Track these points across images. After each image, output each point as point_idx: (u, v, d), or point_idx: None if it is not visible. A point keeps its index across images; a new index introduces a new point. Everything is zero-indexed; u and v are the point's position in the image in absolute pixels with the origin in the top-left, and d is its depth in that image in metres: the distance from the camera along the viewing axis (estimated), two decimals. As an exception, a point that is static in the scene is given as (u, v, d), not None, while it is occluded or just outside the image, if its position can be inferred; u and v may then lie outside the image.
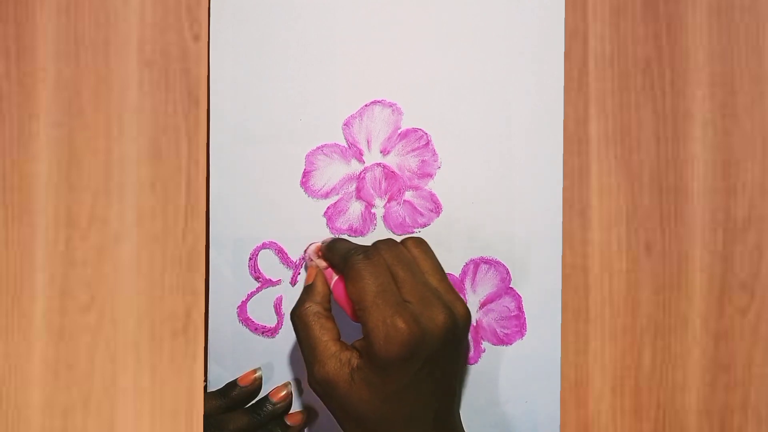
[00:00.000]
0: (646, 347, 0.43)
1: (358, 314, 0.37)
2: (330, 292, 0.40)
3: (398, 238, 0.43)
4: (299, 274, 0.43)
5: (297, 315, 0.39)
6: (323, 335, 0.38)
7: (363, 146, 0.43)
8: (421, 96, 0.43)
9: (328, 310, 0.39)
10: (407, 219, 0.43)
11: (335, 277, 0.40)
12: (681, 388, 0.43)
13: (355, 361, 0.36)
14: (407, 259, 0.39)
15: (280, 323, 0.43)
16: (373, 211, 0.43)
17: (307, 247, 0.43)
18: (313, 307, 0.39)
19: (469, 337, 0.44)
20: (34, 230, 0.41)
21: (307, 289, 0.40)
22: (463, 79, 0.43)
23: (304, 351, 0.38)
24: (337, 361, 0.37)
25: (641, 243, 0.43)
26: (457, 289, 0.44)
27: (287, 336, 0.43)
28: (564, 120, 0.44)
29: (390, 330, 0.35)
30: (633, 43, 0.43)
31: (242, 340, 0.43)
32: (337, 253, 0.40)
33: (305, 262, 0.43)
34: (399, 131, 0.43)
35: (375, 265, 0.37)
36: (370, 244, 0.44)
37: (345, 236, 0.43)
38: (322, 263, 0.41)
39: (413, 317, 0.36)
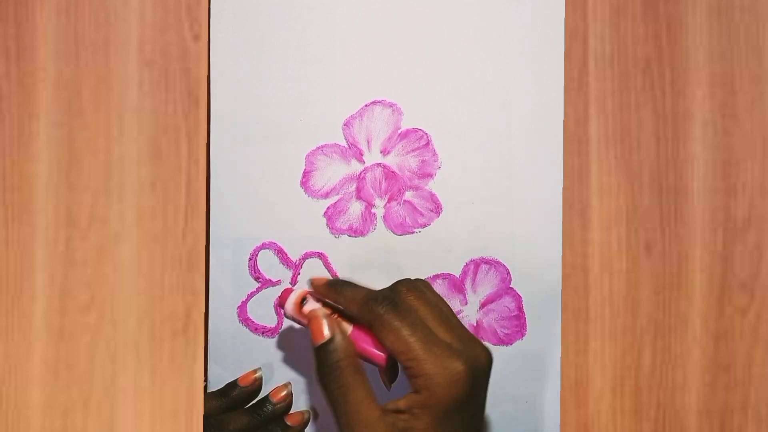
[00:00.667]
0: (646, 347, 0.43)
1: (406, 367, 0.35)
2: (353, 344, 0.37)
3: (398, 239, 0.43)
4: (299, 274, 0.43)
5: (334, 379, 0.35)
6: (367, 396, 0.35)
7: (363, 146, 0.43)
8: (421, 96, 0.43)
9: (361, 364, 0.36)
10: (407, 219, 0.43)
11: (350, 328, 0.38)
12: (681, 388, 0.43)
13: (401, 424, 0.35)
14: (431, 300, 0.37)
15: (280, 323, 0.43)
16: (373, 211, 0.43)
17: (285, 296, 0.40)
18: (348, 366, 0.35)
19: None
20: (34, 230, 0.41)
21: (328, 347, 0.36)
22: (463, 79, 0.44)
23: (344, 415, 0.35)
24: (385, 425, 0.34)
25: (641, 243, 0.43)
26: (458, 290, 0.44)
27: (287, 336, 0.43)
28: (564, 120, 0.44)
29: (451, 374, 0.34)
30: (633, 43, 0.43)
31: (242, 340, 0.43)
32: (349, 299, 0.38)
33: (293, 312, 0.40)
34: (399, 131, 0.43)
35: (407, 313, 0.36)
36: (366, 241, 0.44)
37: (346, 236, 0.43)
38: (326, 310, 0.39)
39: (465, 356, 0.35)
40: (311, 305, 0.39)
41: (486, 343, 0.44)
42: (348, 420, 0.35)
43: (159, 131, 0.42)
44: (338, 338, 0.36)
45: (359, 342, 0.37)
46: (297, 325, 0.43)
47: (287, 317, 0.40)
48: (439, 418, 0.34)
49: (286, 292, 0.40)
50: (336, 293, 0.39)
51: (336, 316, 0.39)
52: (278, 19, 0.43)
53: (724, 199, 0.44)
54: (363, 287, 0.39)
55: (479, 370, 0.35)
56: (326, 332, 0.36)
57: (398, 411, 0.35)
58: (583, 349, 0.43)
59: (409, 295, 0.37)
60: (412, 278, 0.39)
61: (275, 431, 0.41)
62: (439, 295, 0.39)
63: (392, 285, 0.38)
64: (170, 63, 0.42)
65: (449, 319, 0.37)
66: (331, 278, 0.40)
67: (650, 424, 0.43)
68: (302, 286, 0.43)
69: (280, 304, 0.40)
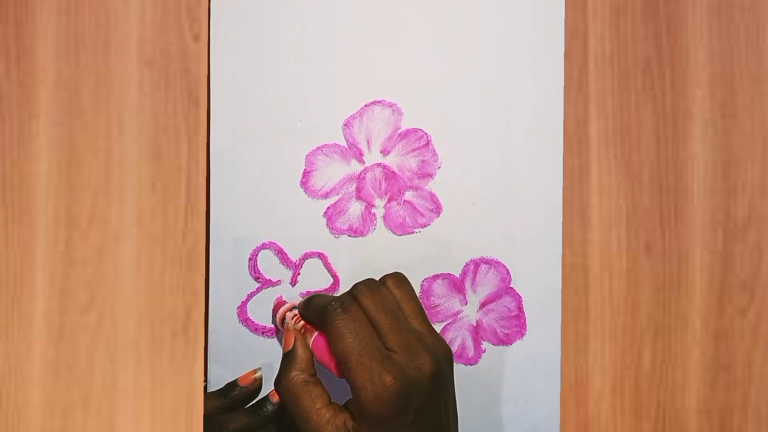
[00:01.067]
0: (646, 347, 0.43)
1: (344, 373, 0.37)
2: (311, 354, 0.39)
3: (398, 239, 0.43)
4: (299, 274, 0.43)
5: (284, 387, 0.38)
6: (315, 403, 0.37)
7: (363, 146, 0.43)
8: (421, 96, 0.43)
9: (314, 374, 0.39)
10: (407, 219, 0.43)
11: (314, 335, 0.39)
12: (681, 388, 0.43)
13: (350, 423, 0.36)
14: (389, 304, 0.38)
15: (280, 323, 0.43)
16: (373, 211, 0.43)
17: (276, 307, 0.43)
18: (299, 376, 0.38)
19: (472, 340, 0.44)
20: (34, 230, 0.41)
21: (288, 357, 0.39)
22: (463, 79, 0.43)
23: (298, 421, 0.37)
24: (333, 427, 0.36)
25: (641, 243, 0.43)
26: (458, 290, 0.44)
27: (287, 336, 0.43)
28: (564, 120, 0.44)
29: (378, 388, 0.35)
30: (633, 43, 0.43)
31: (242, 340, 0.43)
32: (313, 310, 0.39)
33: (278, 324, 0.42)
34: (399, 131, 0.43)
35: (353, 319, 0.37)
36: (366, 241, 0.44)
37: (346, 236, 0.43)
38: (298, 324, 0.40)
39: (400, 370, 0.36)
40: (289, 318, 0.41)
41: (486, 344, 0.44)
42: (300, 425, 0.37)
43: (159, 131, 0.42)
44: (298, 350, 0.39)
45: (318, 350, 0.39)
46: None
47: (278, 326, 0.43)
48: (373, 426, 0.36)
49: (278, 304, 0.43)
50: (306, 309, 0.40)
51: (305, 329, 0.40)
52: (278, 19, 0.43)
53: (724, 199, 0.44)
54: (326, 296, 0.40)
55: (417, 382, 0.36)
56: (291, 343, 0.39)
57: (349, 410, 0.37)
58: (583, 349, 0.43)
59: (365, 298, 0.38)
60: (392, 272, 0.40)
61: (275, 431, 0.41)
62: (405, 292, 0.40)
63: (353, 286, 0.39)
64: (170, 63, 0.42)
65: (403, 323, 0.38)
66: (308, 296, 0.41)
67: (650, 424, 0.43)
68: (302, 287, 0.43)
69: (273, 312, 0.43)
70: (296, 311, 0.41)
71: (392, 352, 0.37)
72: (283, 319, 0.41)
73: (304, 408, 0.37)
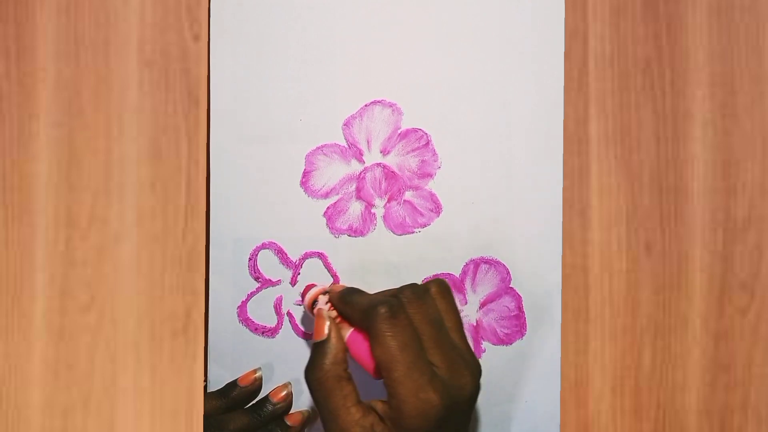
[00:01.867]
0: (646, 347, 0.43)
1: (386, 380, 0.35)
2: (346, 348, 0.38)
3: (398, 239, 0.43)
4: (299, 274, 0.43)
5: (317, 379, 0.36)
6: (346, 401, 0.36)
7: (363, 146, 0.43)
8: (421, 96, 0.43)
9: (347, 370, 0.37)
10: (407, 219, 0.43)
11: (349, 330, 0.38)
12: (681, 388, 0.43)
13: (378, 427, 0.35)
14: (434, 314, 0.37)
15: (280, 323, 0.43)
16: (373, 211, 0.43)
17: (306, 291, 0.42)
18: (332, 370, 0.36)
19: (471, 339, 0.44)
20: (34, 230, 0.41)
21: (323, 348, 0.37)
22: (463, 79, 0.44)
23: (324, 415, 0.36)
24: (361, 428, 0.35)
25: (641, 243, 0.43)
26: (458, 289, 0.44)
27: (287, 336, 0.43)
28: (564, 120, 0.44)
29: (423, 404, 0.34)
30: (633, 43, 0.43)
31: (242, 340, 0.43)
32: (355, 307, 0.38)
33: (306, 308, 0.41)
34: (399, 131, 0.43)
35: (402, 328, 0.36)
36: (366, 241, 0.44)
37: (346, 236, 0.43)
38: (332, 312, 0.39)
39: (446, 389, 0.35)
40: (322, 302, 0.40)
41: (486, 344, 0.44)
42: (326, 420, 0.36)
43: (159, 131, 0.42)
44: (332, 341, 0.37)
45: (355, 346, 0.38)
46: (297, 325, 0.43)
47: (307, 309, 0.42)
48: None
49: (309, 286, 0.42)
50: (344, 304, 0.39)
51: (339, 319, 0.39)
52: (278, 19, 0.43)
53: (724, 199, 0.44)
54: (370, 295, 0.39)
55: (457, 401, 0.36)
56: (325, 331, 0.38)
57: (377, 412, 0.36)
58: (583, 349, 0.43)
59: (411, 306, 0.37)
60: (436, 279, 0.39)
61: (275, 431, 0.41)
62: (448, 303, 0.39)
63: (399, 289, 0.38)
64: (170, 63, 0.42)
65: (446, 337, 0.37)
66: (345, 289, 0.40)
67: (650, 424, 0.43)
68: (302, 287, 0.43)
69: (302, 295, 0.42)
70: (329, 297, 0.40)
71: (434, 366, 0.36)
72: (314, 303, 0.40)
73: (335, 404, 0.36)
